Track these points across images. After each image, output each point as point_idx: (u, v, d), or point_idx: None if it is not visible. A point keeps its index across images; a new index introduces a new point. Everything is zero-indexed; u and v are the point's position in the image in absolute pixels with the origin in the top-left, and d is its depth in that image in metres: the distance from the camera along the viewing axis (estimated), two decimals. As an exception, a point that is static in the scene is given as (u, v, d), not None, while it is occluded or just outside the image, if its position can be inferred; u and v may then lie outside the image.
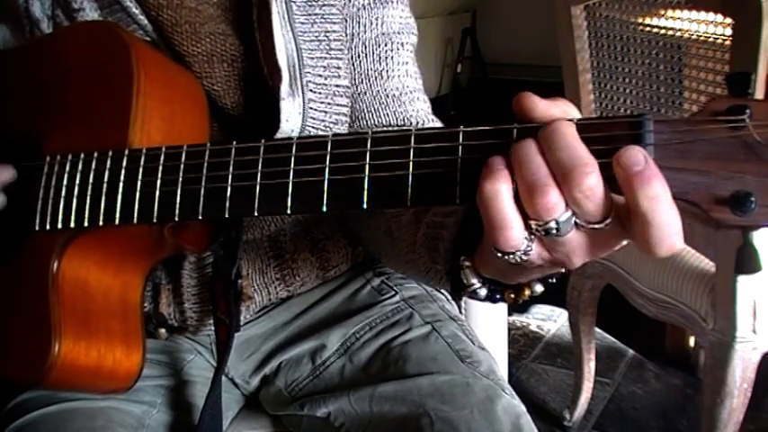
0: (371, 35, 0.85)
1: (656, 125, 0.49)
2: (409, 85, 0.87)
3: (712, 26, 1.30)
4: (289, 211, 0.57)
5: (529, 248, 0.51)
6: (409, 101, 0.87)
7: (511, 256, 0.51)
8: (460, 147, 0.53)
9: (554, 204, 0.48)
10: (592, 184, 0.47)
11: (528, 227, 0.50)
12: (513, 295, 0.59)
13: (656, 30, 1.44)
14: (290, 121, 0.76)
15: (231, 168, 0.59)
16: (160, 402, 0.86)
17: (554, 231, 0.49)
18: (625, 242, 0.51)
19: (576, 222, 0.49)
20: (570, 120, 0.50)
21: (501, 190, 0.49)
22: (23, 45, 0.79)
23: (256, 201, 0.58)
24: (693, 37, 1.35)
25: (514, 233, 0.50)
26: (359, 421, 0.80)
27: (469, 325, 0.94)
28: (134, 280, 0.73)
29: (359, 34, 0.85)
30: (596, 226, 0.49)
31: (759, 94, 0.65)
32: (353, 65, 0.85)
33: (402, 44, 0.87)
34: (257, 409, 0.93)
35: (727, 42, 1.26)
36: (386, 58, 0.86)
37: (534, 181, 0.48)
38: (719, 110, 0.48)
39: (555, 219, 0.49)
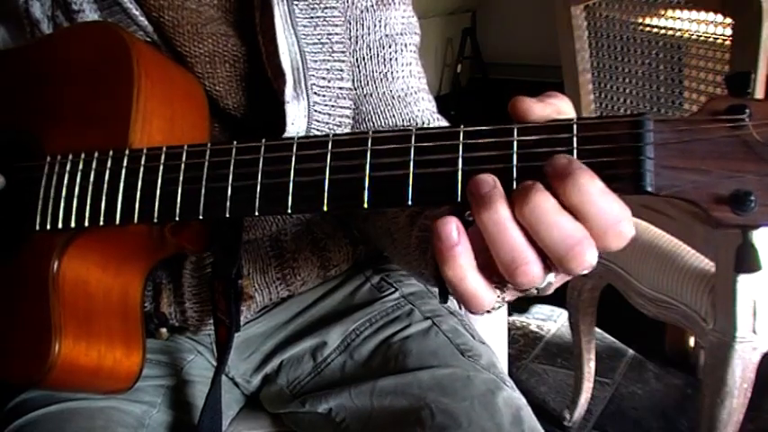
0: (375, 37, 0.86)
1: (655, 125, 0.49)
2: (414, 85, 0.88)
3: (712, 26, 1.30)
4: (290, 211, 0.57)
5: (505, 297, 0.52)
6: (414, 101, 0.87)
7: (488, 313, 0.52)
8: (461, 145, 0.53)
9: (537, 277, 0.46)
10: (592, 260, 0.45)
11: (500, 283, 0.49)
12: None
13: (656, 30, 1.44)
14: (296, 124, 0.77)
15: (232, 168, 0.59)
16: (160, 402, 0.86)
17: (534, 292, 0.49)
18: None
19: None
20: (568, 119, 0.50)
21: (464, 272, 0.48)
22: (24, 45, 0.80)
23: (257, 200, 0.58)
24: (693, 37, 1.35)
25: (486, 299, 0.49)
26: (360, 416, 0.80)
27: (469, 320, 0.94)
28: (134, 280, 0.73)
29: (363, 37, 0.85)
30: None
31: (759, 95, 0.65)
32: (358, 67, 0.85)
33: (405, 45, 0.88)
34: (257, 409, 0.93)
35: (727, 42, 1.26)
36: (390, 59, 0.86)
37: (512, 259, 0.46)
38: (719, 109, 0.49)
39: (536, 286, 0.48)
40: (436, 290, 0.96)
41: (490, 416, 0.74)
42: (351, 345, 0.89)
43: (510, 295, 0.52)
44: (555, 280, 0.50)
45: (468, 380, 0.79)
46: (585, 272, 0.46)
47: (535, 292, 0.54)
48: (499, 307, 0.56)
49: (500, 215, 0.46)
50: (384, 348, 0.86)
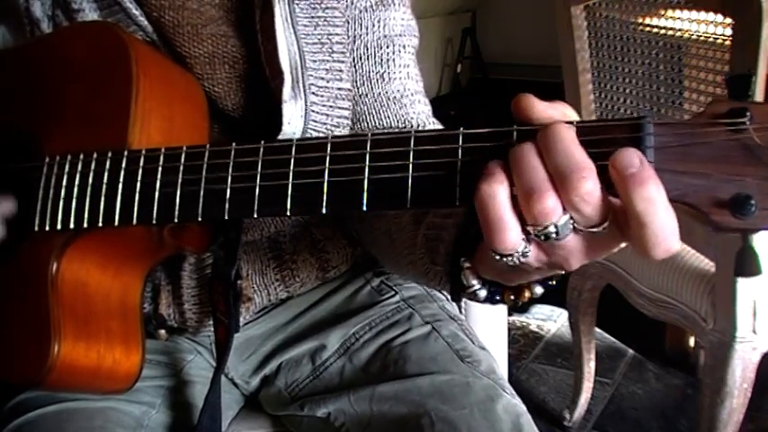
0: (373, 38, 0.85)
1: (656, 128, 0.49)
2: (410, 87, 0.88)
3: (712, 26, 1.30)
4: (288, 213, 0.57)
5: (527, 250, 0.51)
6: (410, 103, 0.87)
7: (509, 259, 0.51)
8: (460, 149, 0.53)
9: (552, 209, 0.48)
10: (589, 188, 0.47)
11: (526, 232, 0.50)
12: (512, 297, 0.59)
13: (656, 30, 1.44)
14: (292, 124, 0.76)
15: (231, 170, 0.59)
16: (160, 403, 0.86)
17: (553, 236, 0.49)
18: (623, 244, 0.51)
19: (574, 227, 0.49)
20: (569, 122, 0.50)
21: (498, 192, 0.49)
22: (23, 45, 0.80)
23: (256, 202, 0.58)
24: (693, 37, 1.35)
25: (511, 235, 0.50)
26: (359, 421, 0.80)
27: (469, 325, 0.94)
28: (134, 281, 0.73)
29: (361, 36, 0.85)
30: (595, 230, 0.49)
31: (759, 95, 0.65)
32: (355, 67, 0.85)
33: (403, 46, 0.87)
34: (257, 410, 0.93)
35: (727, 42, 1.26)
36: (387, 60, 0.86)
37: (532, 185, 0.48)
38: (720, 112, 0.48)
39: (554, 223, 0.49)
40: (437, 293, 0.96)
41: (490, 424, 0.74)
42: (350, 348, 0.88)
43: (531, 252, 0.51)
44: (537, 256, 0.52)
45: (467, 386, 0.79)
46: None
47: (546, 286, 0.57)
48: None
49: (524, 149, 0.50)
50: (383, 353, 0.86)
